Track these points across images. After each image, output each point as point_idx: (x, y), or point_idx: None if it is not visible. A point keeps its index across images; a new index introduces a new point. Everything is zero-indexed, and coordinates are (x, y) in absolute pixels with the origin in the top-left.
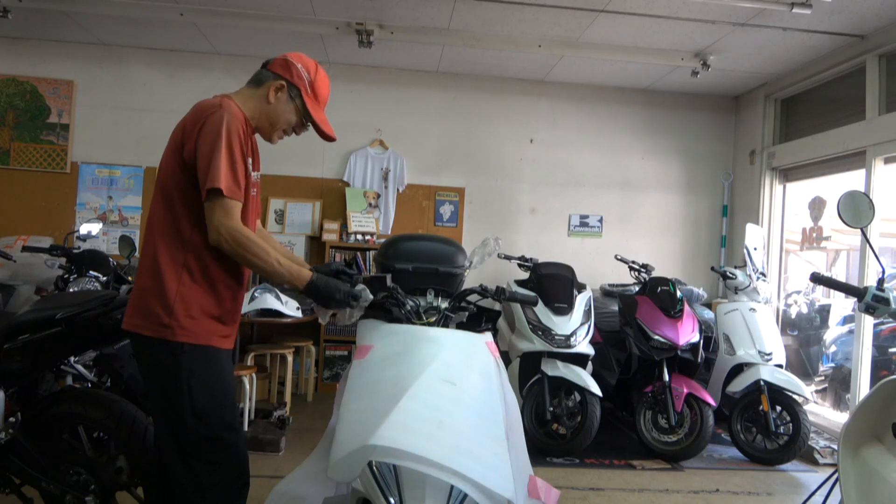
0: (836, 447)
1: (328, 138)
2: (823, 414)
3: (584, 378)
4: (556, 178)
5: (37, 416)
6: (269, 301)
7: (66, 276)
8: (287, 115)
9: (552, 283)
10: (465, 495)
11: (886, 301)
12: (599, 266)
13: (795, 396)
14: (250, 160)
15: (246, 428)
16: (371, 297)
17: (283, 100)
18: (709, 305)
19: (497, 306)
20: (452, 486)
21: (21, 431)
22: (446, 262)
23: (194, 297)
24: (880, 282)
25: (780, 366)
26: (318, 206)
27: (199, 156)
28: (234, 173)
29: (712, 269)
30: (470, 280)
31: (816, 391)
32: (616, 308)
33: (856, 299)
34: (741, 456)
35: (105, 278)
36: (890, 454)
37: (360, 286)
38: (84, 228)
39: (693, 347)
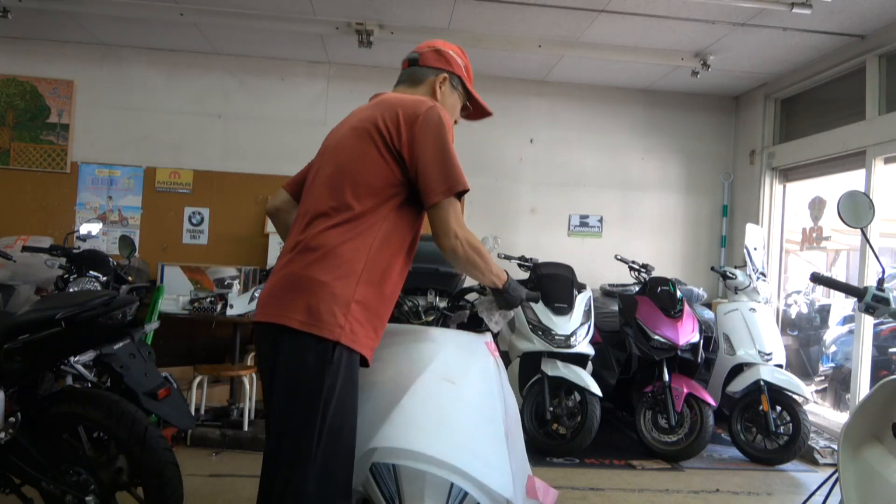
0: (836, 447)
1: (488, 115)
2: (823, 414)
3: (584, 378)
4: (556, 178)
5: (37, 416)
6: None
7: (66, 276)
8: (455, 105)
9: (552, 283)
10: (465, 494)
11: (886, 301)
12: (599, 266)
13: (795, 396)
14: None
15: (246, 428)
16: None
17: (448, 92)
18: (709, 305)
19: None
20: (452, 485)
21: (21, 431)
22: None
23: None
24: (880, 282)
25: (780, 366)
26: None
27: (422, 154)
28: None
29: (712, 269)
30: (470, 280)
31: (816, 391)
32: (616, 308)
33: (856, 299)
34: (741, 456)
35: (105, 278)
36: (890, 454)
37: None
38: (84, 228)
39: (693, 347)
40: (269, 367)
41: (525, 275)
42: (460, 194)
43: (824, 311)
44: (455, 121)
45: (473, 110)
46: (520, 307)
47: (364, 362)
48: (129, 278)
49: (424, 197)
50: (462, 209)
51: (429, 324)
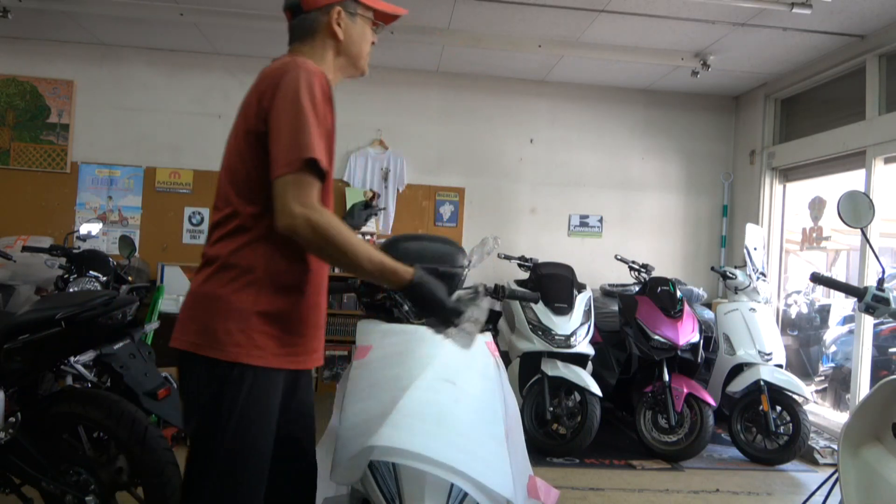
0: (836, 447)
1: (400, 14)
2: (823, 414)
3: (584, 378)
4: (556, 178)
5: (37, 416)
6: None
7: (66, 276)
8: (364, 34)
9: (552, 283)
10: (465, 495)
11: (886, 301)
12: (599, 266)
13: (795, 396)
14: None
15: None
16: (483, 316)
17: (349, 25)
18: (709, 305)
19: (497, 306)
20: (452, 486)
21: (21, 431)
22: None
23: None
24: (880, 282)
25: (780, 366)
26: None
27: (273, 125)
28: (324, 142)
29: (712, 269)
30: (470, 280)
31: (816, 391)
32: (616, 308)
33: (856, 299)
34: (741, 456)
35: (105, 278)
36: (890, 454)
37: (471, 297)
38: (84, 228)
39: (693, 347)
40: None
41: (525, 275)
42: (316, 170)
43: (824, 311)
44: (373, 42)
45: (385, 18)
46: (520, 307)
47: (293, 375)
48: (129, 278)
49: (270, 173)
50: (327, 190)
51: None
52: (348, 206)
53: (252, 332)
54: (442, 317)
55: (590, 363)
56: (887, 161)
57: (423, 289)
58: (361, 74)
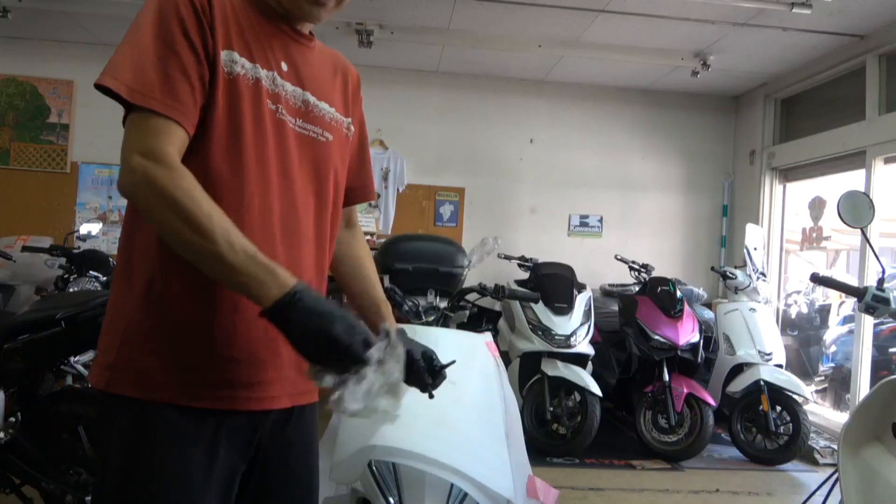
0: (836, 447)
1: None
2: (823, 414)
3: (584, 378)
4: (556, 178)
5: (37, 416)
6: None
7: (66, 276)
8: None
9: (552, 283)
10: (465, 495)
11: (886, 301)
12: (599, 266)
13: (795, 396)
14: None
15: None
16: (399, 377)
17: None
18: (709, 305)
19: (497, 307)
20: (452, 486)
21: (21, 431)
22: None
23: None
24: (880, 282)
25: (780, 366)
26: None
27: None
28: (155, 64)
29: (712, 269)
30: (470, 280)
31: (816, 391)
32: (616, 308)
33: (856, 299)
34: (741, 456)
35: (105, 278)
36: (890, 454)
37: (384, 345)
38: (84, 228)
39: (693, 347)
40: None
41: (525, 275)
42: (142, 107)
43: (824, 311)
44: None
45: None
46: (520, 307)
47: (207, 414)
48: None
49: None
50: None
51: (429, 324)
52: None
53: (128, 350)
54: (330, 359)
55: (590, 363)
56: (887, 161)
57: (302, 314)
58: (309, 17)
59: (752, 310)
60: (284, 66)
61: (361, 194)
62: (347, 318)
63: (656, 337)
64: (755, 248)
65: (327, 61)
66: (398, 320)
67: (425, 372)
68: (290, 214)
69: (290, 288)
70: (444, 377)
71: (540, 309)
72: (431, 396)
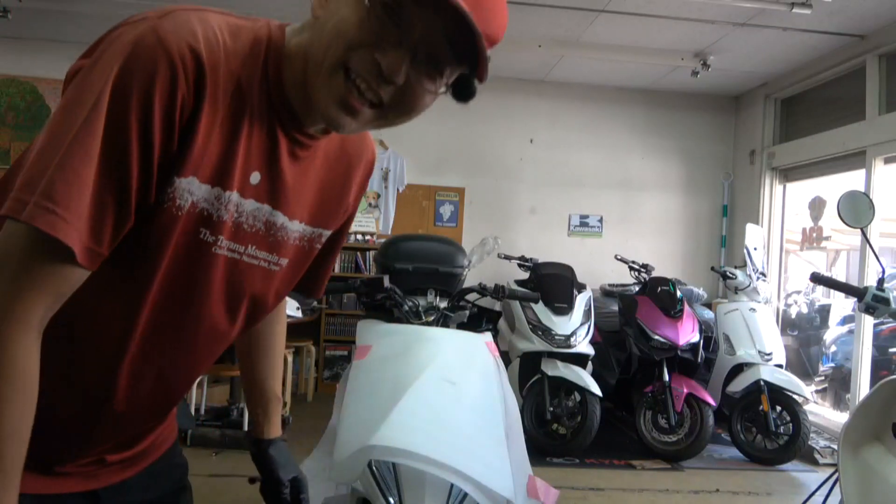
0: (836, 447)
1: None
2: (823, 414)
3: (584, 378)
4: (556, 178)
5: None
6: None
7: None
8: (345, 16)
9: (552, 283)
10: (465, 495)
11: (886, 301)
12: (599, 266)
13: (795, 396)
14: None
15: (246, 428)
16: None
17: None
18: (709, 305)
19: (497, 307)
20: (452, 486)
21: None
22: (446, 262)
23: None
24: (880, 282)
25: (780, 366)
26: None
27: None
28: (93, 193)
29: (712, 269)
30: (470, 280)
31: (816, 391)
32: (616, 308)
33: (856, 299)
34: (741, 456)
35: None
36: (890, 454)
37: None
38: None
39: (693, 347)
40: None
41: (525, 275)
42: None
43: (824, 311)
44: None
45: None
46: (520, 307)
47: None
48: None
49: None
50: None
51: (429, 324)
52: None
53: None
54: None
55: (590, 363)
56: (887, 161)
57: None
58: (335, 125)
59: (752, 310)
60: (255, 178)
61: (305, 288)
62: None
63: (656, 337)
64: (755, 248)
65: (332, 160)
66: (398, 320)
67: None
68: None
69: None
70: None
71: (540, 309)
72: None
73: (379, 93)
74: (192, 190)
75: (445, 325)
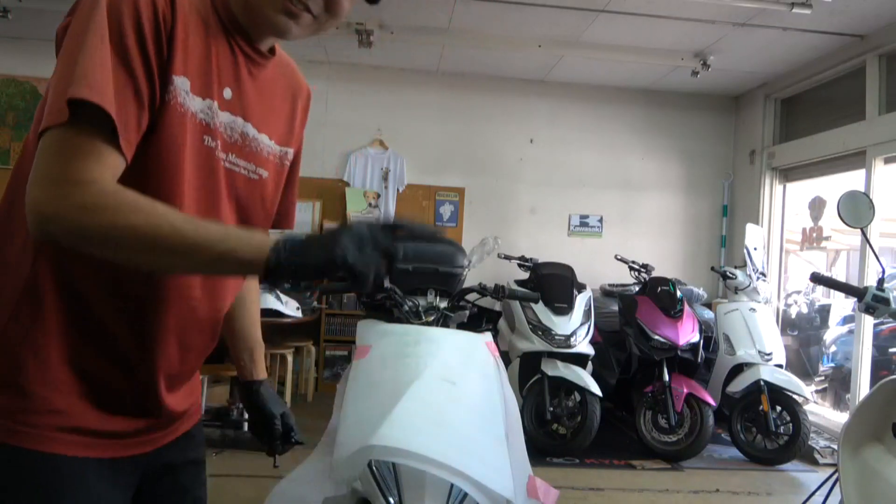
0: (836, 447)
1: None
2: (823, 414)
3: (584, 378)
4: (556, 178)
5: None
6: (269, 301)
7: None
8: None
9: (552, 283)
10: (465, 495)
11: (886, 301)
12: (599, 266)
13: (795, 396)
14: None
15: (246, 428)
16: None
17: None
18: (709, 305)
19: (497, 307)
20: (452, 486)
21: None
22: (446, 262)
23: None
24: (880, 282)
25: (780, 366)
26: (317, 206)
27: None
28: (117, 76)
29: (712, 269)
30: (470, 280)
31: (816, 391)
32: (616, 308)
33: (856, 299)
34: (741, 456)
35: None
36: (890, 454)
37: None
38: None
39: (693, 347)
40: None
41: (525, 275)
42: (91, 118)
43: (824, 311)
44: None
45: None
46: (520, 307)
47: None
48: None
49: None
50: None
51: (429, 324)
52: (348, 207)
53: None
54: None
55: (590, 363)
56: (887, 161)
57: (308, 243)
58: (281, 33)
59: (752, 310)
60: (228, 94)
61: (277, 221)
62: (348, 233)
63: (656, 337)
64: (755, 248)
65: (280, 83)
66: (398, 320)
67: (280, 435)
68: None
69: (273, 244)
70: (293, 446)
71: (540, 309)
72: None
73: (308, 4)
74: (188, 90)
75: (445, 325)
